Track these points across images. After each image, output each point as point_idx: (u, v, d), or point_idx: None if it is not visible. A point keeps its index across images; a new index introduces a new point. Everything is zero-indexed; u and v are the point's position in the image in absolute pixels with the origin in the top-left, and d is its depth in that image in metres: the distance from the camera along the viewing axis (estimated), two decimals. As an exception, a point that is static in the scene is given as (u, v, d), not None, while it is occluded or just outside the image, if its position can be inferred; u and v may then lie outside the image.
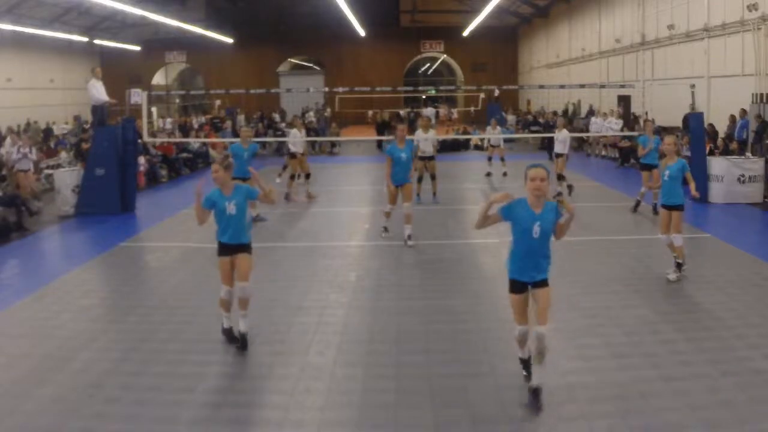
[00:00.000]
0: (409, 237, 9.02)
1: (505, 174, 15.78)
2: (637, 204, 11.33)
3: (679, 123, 17.14)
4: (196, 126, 24.23)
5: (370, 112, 24.78)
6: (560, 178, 12.65)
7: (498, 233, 10.28)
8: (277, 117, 29.02)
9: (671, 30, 18.78)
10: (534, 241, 4.33)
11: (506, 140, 23.76)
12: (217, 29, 33.76)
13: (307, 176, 13.40)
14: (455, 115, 31.93)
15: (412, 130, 24.44)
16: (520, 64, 38.36)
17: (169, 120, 26.67)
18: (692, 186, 7.54)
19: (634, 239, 9.30)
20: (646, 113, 18.72)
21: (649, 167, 10.97)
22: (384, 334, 5.85)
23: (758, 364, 5.02)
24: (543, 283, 4.39)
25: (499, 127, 17.34)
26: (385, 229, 9.62)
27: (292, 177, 13.24)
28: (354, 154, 23.02)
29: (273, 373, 5.12)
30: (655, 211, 10.49)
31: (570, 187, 12.89)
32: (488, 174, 16.22)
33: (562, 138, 12.88)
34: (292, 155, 13.40)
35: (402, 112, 28.93)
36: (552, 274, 4.51)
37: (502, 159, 16.16)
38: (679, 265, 7.30)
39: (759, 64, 14.38)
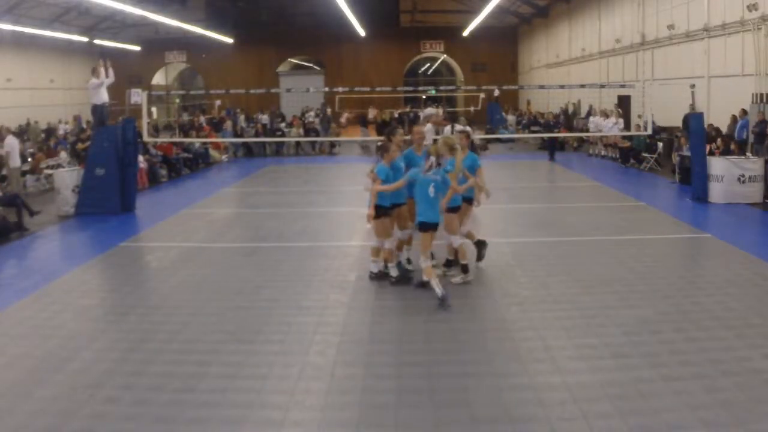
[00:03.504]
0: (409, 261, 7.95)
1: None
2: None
3: (679, 123, 17.16)
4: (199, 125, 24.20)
5: (371, 115, 24.44)
6: None
7: (499, 233, 10.31)
8: (264, 119, 25.56)
9: (671, 30, 18.78)
10: None
11: (506, 140, 23.81)
12: (217, 29, 33.76)
13: None
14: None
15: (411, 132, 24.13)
16: (520, 64, 38.35)
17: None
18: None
19: (634, 239, 9.30)
20: (466, 123, 13.35)
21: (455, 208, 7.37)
22: (384, 334, 5.85)
23: (758, 364, 5.02)
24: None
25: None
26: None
27: None
28: (354, 155, 23.00)
29: (273, 373, 5.11)
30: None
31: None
32: None
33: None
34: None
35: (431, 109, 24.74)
36: (552, 274, 4.50)
37: None
38: (463, 267, 7.26)
39: (759, 64, 14.38)
